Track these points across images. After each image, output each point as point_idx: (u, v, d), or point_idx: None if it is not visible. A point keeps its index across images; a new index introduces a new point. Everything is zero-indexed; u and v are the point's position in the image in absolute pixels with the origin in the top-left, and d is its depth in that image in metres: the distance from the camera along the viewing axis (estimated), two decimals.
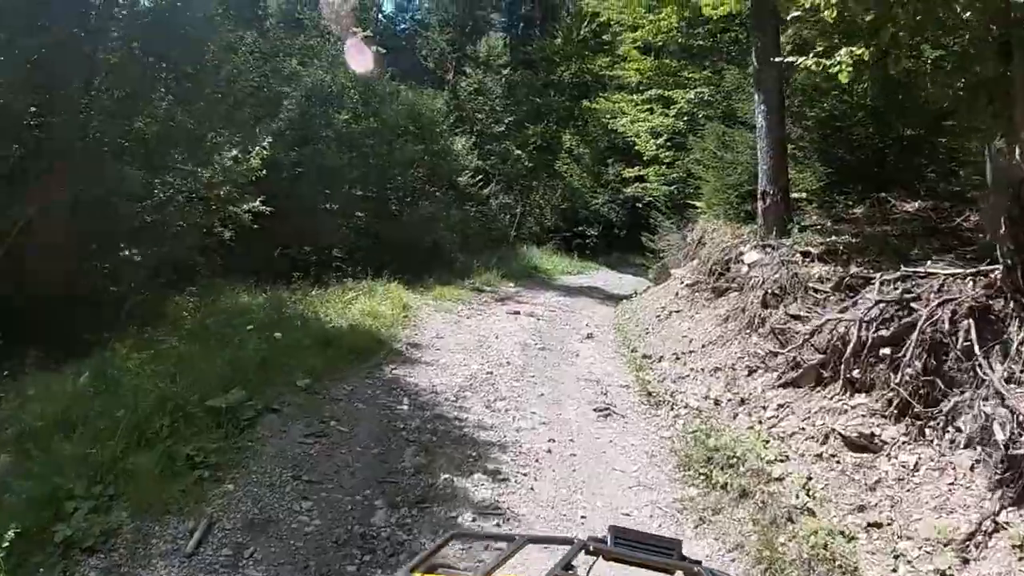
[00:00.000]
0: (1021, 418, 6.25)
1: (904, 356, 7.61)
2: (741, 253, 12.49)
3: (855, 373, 8.11)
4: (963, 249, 10.36)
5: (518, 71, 32.24)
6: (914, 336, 7.62)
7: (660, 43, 19.67)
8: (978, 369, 6.97)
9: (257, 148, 14.34)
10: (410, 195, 20.86)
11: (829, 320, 8.76)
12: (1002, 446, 6.20)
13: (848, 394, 8.16)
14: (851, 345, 8.16)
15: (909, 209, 12.90)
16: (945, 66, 12.81)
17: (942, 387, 7.19)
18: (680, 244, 17.37)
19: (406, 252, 18.31)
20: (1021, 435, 6.17)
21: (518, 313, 15.29)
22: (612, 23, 22.09)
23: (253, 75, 15.76)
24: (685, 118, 18.35)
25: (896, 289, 8.64)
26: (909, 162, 13.21)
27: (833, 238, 11.17)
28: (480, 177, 25.07)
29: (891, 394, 7.55)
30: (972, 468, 6.54)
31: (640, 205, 24.08)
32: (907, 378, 7.45)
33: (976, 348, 7.17)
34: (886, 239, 11.13)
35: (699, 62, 18.81)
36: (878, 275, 9.32)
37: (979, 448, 6.55)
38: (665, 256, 18.46)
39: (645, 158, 20.50)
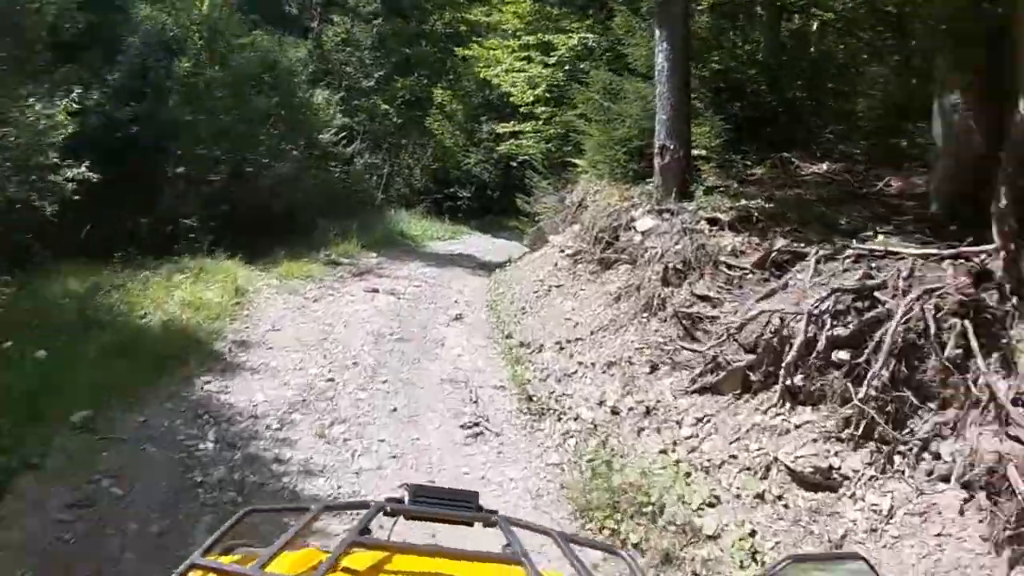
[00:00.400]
0: None
1: (869, 363, 5.46)
2: (633, 219, 10.14)
3: (798, 380, 5.90)
4: (898, 219, 8.34)
5: (389, 21, 28.45)
6: (886, 338, 5.48)
7: None
8: (973, 386, 5.13)
9: (65, 101, 10.95)
10: (266, 155, 17.51)
11: (764, 312, 6.51)
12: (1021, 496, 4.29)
13: (788, 407, 5.94)
14: (795, 345, 5.94)
15: (817, 171, 10.86)
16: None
17: (914, 402, 5.28)
18: (558, 207, 14.83)
19: (259, 220, 15.07)
20: None
21: (376, 291, 12.37)
22: None
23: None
24: (566, 67, 15.57)
25: (846, 271, 6.59)
26: (800, 121, 11.92)
27: (744, 202, 8.83)
28: (344, 135, 21.68)
29: (850, 411, 5.36)
30: (962, 511, 4.66)
31: (515, 164, 21.17)
32: (873, 391, 5.30)
33: (979, 358, 5.17)
34: (805, 205, 8.95)
35: (584, 12, 15.92)
36: (812, 250, 7.26)
37: (963, 482, 4.74)
38: (542, 220, 15.88)
39: (521, 112, 17.61)
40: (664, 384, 7.11)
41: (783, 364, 5.95)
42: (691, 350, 7.15)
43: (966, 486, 4.70)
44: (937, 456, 5.00)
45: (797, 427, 5.72)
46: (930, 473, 4.93)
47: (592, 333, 8.58)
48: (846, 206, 9.10)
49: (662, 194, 9.57)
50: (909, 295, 5.74)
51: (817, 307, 6.02)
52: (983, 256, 6.08)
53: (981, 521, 4.52)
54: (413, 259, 16.67)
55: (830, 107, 12.73)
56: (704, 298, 7.92)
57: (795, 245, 7.63)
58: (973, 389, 5.09)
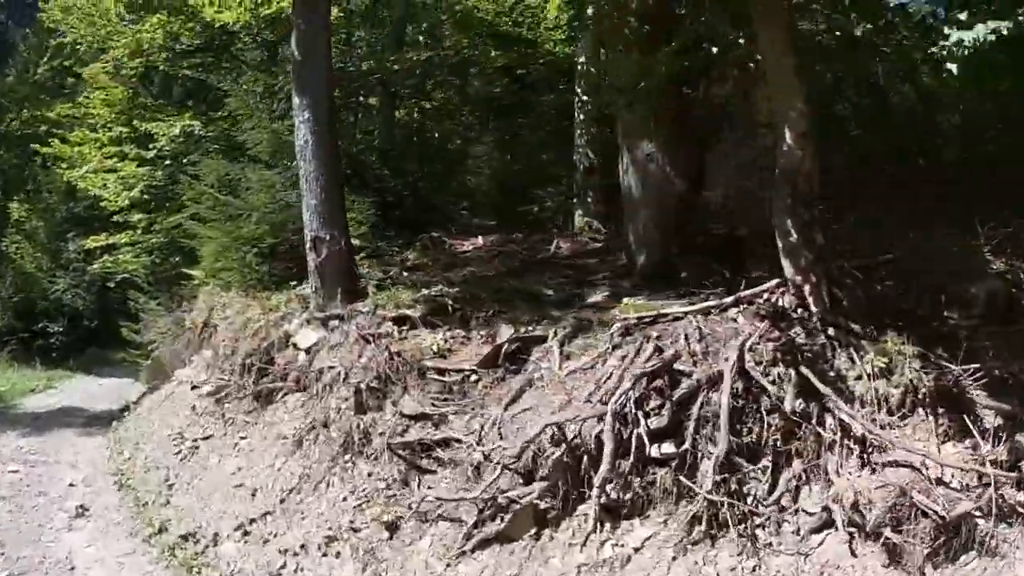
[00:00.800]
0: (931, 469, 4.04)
1: (696, 446, 4.45)
2: (288, 334, 7.62)
3: (612, 494, 4.47)
4: (603, 278, 7.39)
5: None
6: (720, 412, 4.43)
7: (137, 70, 12.87)
8: (822, 430, 4.44)
9: None
10: None
11: (548, 425, 4.67)
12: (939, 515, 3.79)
13: (609, 528, 4.40)
14: (606, 454, 4.42)
15: (475, 246, 9.69)
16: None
17: (748, 467, 4.46)
18: (176, 331, 11.44)
19: None
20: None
21: None
22: (79, 46, 14.33)
23: None
24: (168, 163, 12.20)
25: (617, 348, 5.23)
26: (424, 201, 11.16)
27: (427, 291, 6.85)
28: None
29: (695, 507, 4.25)
30: (855, 553, 3.96)
31: (112, 285, 16.70)
32: (716, 476, 4.28)
33: (834, 398, 4.45)
34: (489, 282, 7.34)
35: (183, 104, 12.68)
36: (552, 332, 5.77)
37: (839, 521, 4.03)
38: (157, 350, 12.21)
39: (115, 222, 13.59)
40: (422, 548, 4.81)
41: (597, 480, 4.40)
42: (451, 499, 4.89)
43: (856, 528, 3.99)
44: (795, 511, 4.26)
45: (638, 550, 4.26)
46: (798, 532, 4.19)
47: (282, 501, 5.81)
48: (531, 276, 7.84)
49: (324, 297, 7.24)
50: (719, 357, 4.77)
51: (620, 402, 4.53)
52: (767, 296, 5.33)
53: (872, 551, 3.92)
54: (3, 428, 11.56)
55: (448, 185, 12.14)
56: (420, 418, 5.82)
57: (524, 330, 5.77)
58: (824, 433, 4.40)
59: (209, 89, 13.11)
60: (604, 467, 4.34)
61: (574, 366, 5.30)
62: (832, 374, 4.68)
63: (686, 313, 5.27)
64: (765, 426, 4.51)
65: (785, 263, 5.18)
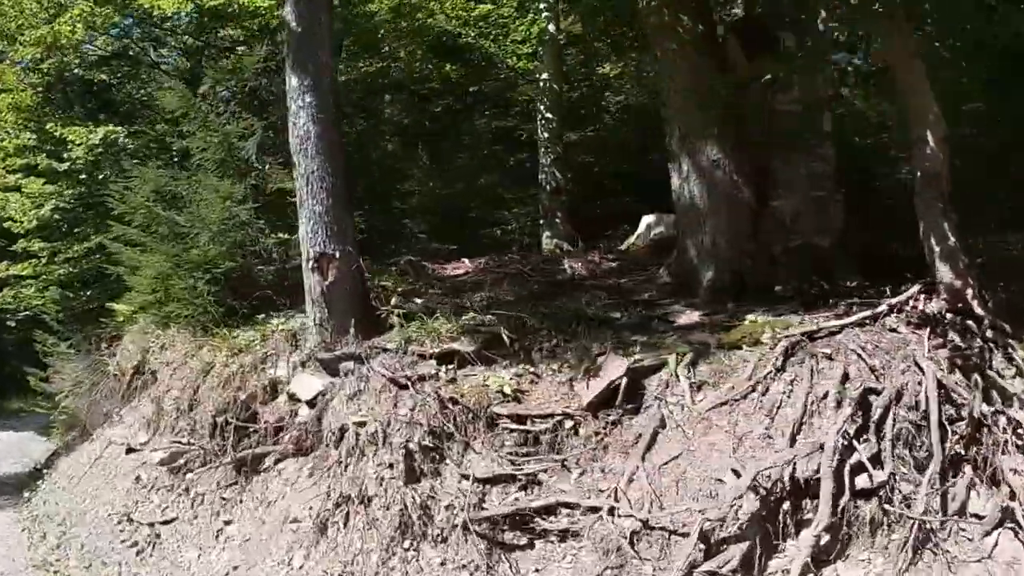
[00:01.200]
0: None
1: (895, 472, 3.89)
2: (277, 382, 5.77)
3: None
4: (664, 298, 6.09)
5: None
6: (931, 429, 3.99)
7: (48, 75, 10.35)
8: (998, 431, 4.07)
9: None
10: None
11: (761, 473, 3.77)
12: None
13: None
14: (825, 497, 3.69)
15: (469, 269, 8.01)
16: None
17: (918, 477, 3.89)
18: (95, 379, 8.94)
19: None
20: None
21: None
22: None
23: None
24: (83, 178, 9.74)
25: (781, 372, 4.36)
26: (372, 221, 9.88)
27: (465, 319, 5.30)
28: None
29: (900, 535, 3.67)
30: None
31: (14, 323, 13.61)
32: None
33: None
34: (527, 305, 5.85)
35: (94, 118, 10.29)
36: (673, 359, 4.60)
37: None
38: (69, 401, 9.64)
39: (18, 249, 10.79)
40: None
41: (815, 527, 3.64)
42: None
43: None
44: (963, 515, 3.92)
45: None
46: (971, 540, 3.83)
47: None
48: (564, 299, 6.37)
49: (332, 332, 5.42)
50: (893, 370, 4.30)
51: (840, 436, 3.88)
52: (912, 302, 4.92)
53: None
54: None
55: (392, 208, 10.93)
56: (497, 481, 4.25)
57: (631, 361, 4.36)
58: (998, 432, 4.13)
59: (122, 103, 10.91)
60: (824, 510, 3.61)
61: (716, 397, 4.18)
62: (992, 374, 4.49)
63: (842, 327, 4.68)
64: (950, 435, 4.10)
65: (942, 268, 4.83)
